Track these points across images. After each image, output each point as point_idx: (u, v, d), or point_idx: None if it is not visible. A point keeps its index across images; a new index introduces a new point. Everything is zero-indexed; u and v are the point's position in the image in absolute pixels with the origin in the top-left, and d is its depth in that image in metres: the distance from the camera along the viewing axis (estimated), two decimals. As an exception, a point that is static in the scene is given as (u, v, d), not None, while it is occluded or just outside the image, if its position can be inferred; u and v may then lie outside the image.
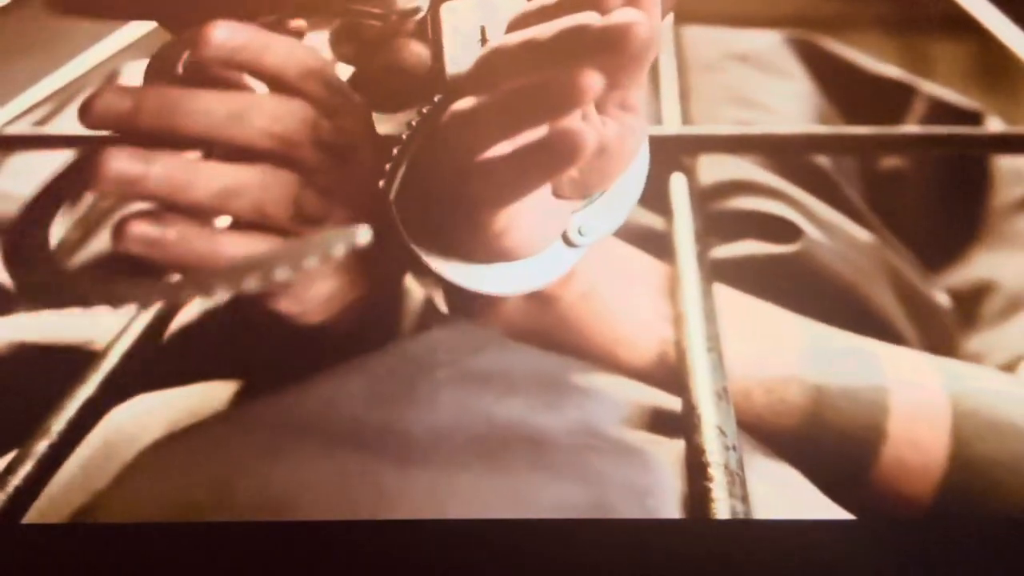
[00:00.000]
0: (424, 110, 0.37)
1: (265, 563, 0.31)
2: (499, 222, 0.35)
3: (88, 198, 0.68)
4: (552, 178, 0.34)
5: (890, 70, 0.68)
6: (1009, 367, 0.53)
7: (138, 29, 0.74)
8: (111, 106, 0.33)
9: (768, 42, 0.68)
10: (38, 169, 0.69)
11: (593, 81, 0.30)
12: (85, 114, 0.33)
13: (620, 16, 0.30)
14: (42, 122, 0.71)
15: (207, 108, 0.34)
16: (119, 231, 0.33)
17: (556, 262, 0.39)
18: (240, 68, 0.36)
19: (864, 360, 0.43)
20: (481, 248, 0.36)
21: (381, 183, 0.37)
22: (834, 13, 1.36)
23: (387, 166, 0.37)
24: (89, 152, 0.33)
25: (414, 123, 0.37)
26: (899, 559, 0.30)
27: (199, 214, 0.36)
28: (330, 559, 0.31)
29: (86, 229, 0.62)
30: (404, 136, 0.37)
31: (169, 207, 0.34)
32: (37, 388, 0.40)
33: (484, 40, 0.37)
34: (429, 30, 0.38)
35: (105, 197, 0.35)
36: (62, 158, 0.71)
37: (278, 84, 0.36)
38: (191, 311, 0.45)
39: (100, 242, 0.60)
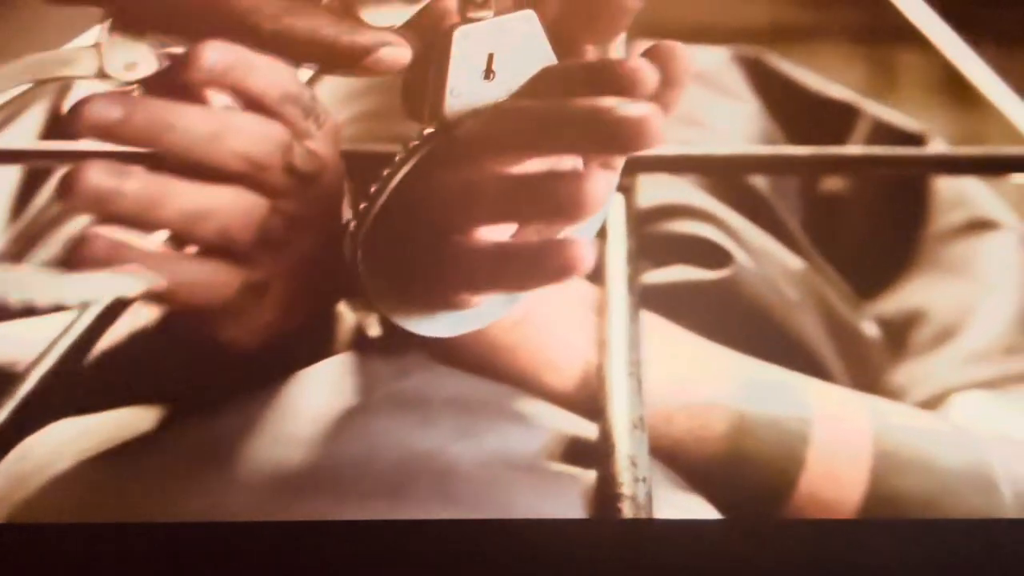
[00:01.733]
0: (412, 144, 0.36)
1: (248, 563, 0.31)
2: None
3: (31, 211, 0.67)
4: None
5: (836, 90, 0.68)
6: (936, 400, 0.53)
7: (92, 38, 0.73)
8: (102, 113, 0.32)
9: (718, 59, 0.68)
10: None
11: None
12: (75, 119, 0.32)
13: (637, 110, 0.30)
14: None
15: (189, 126, 0.34)
16: (76, 251, 0.33)
17: (510, 301, 0.38)
18: (225, 89, 0.36)
19: (790, 392, 0.42)
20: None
21: (350, 220, 0.36)
22: (804, 23, 1.36)
23: (362, 205, 0.36)
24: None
25: (398, 159, 0.36)
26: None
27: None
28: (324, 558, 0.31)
29: (24, 244, 0.62)
30: (385, 173, 0.36)
31: (137, 227, 0.34)
32: None
33: (490, 70, 0.36)
34: (436, 53, 0.36)
35: (74, 211, 0.35)
36: (5, 172, 0.71)
37: (259, 106, 0.36)
38: (115, 334, 0.44)
39: (38, 258, 0.59)
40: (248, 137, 0.35)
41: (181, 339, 0.40)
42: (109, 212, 0.33)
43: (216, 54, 0.34)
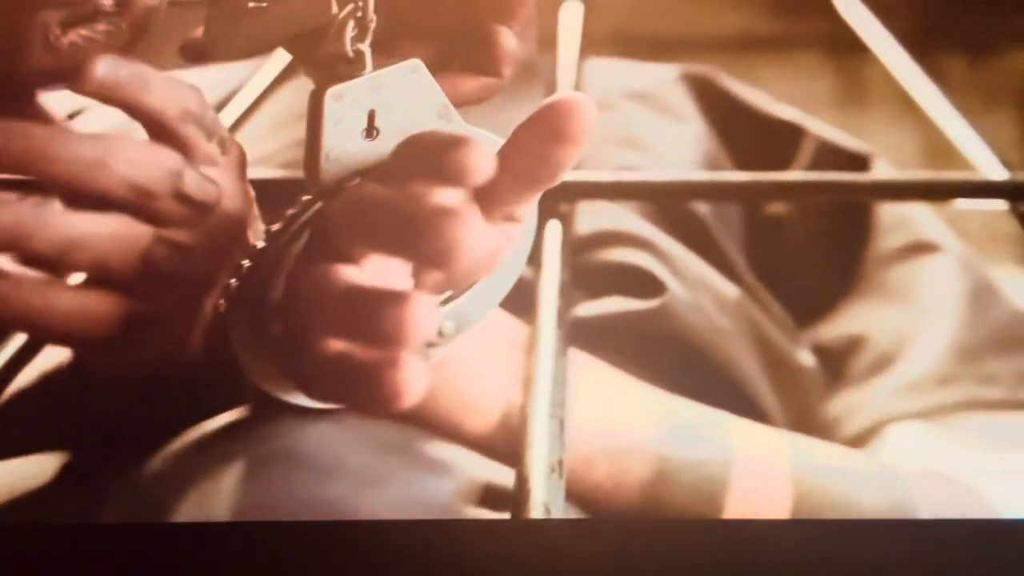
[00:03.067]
0: (289, 213, 0.35)
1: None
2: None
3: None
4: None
5: (782, 110, 0.67)
6: (870, 432, 0.53)
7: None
8: None
9: (665, 78, 0.67)
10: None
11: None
12: None
13: (451, 235, 0.28)
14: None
15: (71, 155, 0.33)
16: None
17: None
18: (118, 106, 0.35)
19: (712, 433, 0.41)
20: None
21: (228, 286, 0.36)
22: (774, 33, 1.36)
23: (232, 280, 0.35)
24: None
25: (272, 230, 0.35)
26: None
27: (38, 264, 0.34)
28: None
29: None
30: (262, 244, 0.35)
31: (6, 255, 0.34)
32: None
33: (372, 127, 0.35)
34: (308, 116, 0.35)
35: None
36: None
37: (155, 125, 0.35)
38: (18, 381, 0.43)
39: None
40: (135, 163, 0.34)
41: (87, 383, 0.39)
42: None
43: (107, 67, 0.33)
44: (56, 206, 0.34)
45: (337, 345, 0.30)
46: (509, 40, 0.35)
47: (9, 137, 0.32)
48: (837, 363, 0.57)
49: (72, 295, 0.34)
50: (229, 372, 0.39)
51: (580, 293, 0.50)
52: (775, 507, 0.40)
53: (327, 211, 0.34)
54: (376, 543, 0.31)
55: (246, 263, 0.35)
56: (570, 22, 0.63)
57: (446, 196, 0.32)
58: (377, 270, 0.33)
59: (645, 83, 0.66)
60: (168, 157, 0.35)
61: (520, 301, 0.43)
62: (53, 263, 0.34)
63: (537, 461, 0.37)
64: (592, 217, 0.54)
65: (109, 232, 0.34)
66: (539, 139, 0.33)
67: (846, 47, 1.24)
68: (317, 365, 0.31)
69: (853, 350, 0.57)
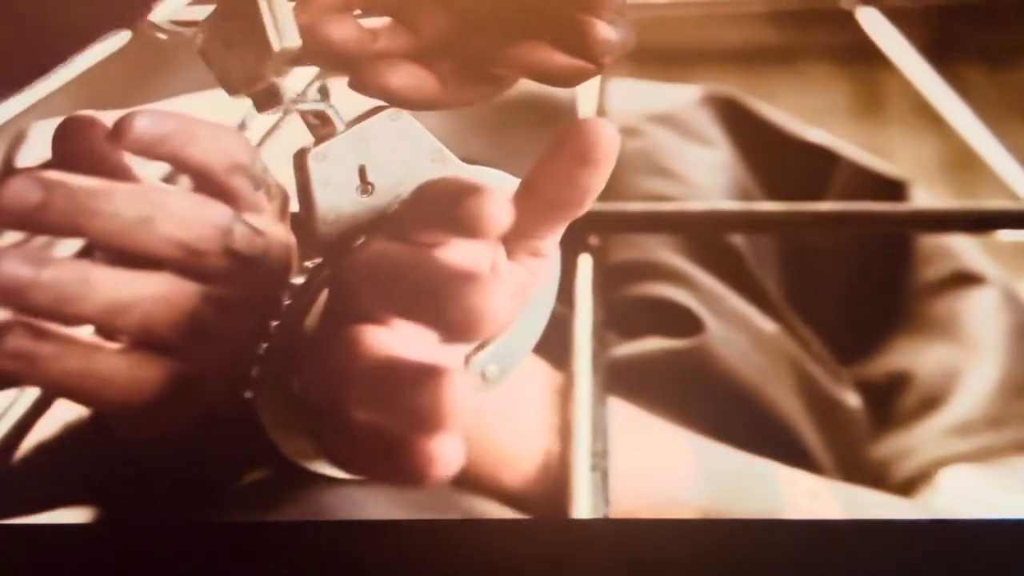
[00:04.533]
0: (299, 283, 0.34)
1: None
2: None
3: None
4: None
5: (813, 134, 0.65)
6: (922, 476, 0.51)
7: (44, 88, 0.71)
8: (18, 198, 0.30)
9: (688, 100, 0.66)
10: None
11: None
12: None
13: (473, 299, 0.27)
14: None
15: (116, 210, 0.31)
16: None
17: None
18: (161, 160, 0.33)
19: (759, 484, 0.40)
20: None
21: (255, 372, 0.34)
22: (782, 44, 1.34)
23: (258, 369, 0.34)
24: None
25: (288, 304, 0.34)
26: None
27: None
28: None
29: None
30: (276, 325, 0.34)
31: (52, 320, 0.32)
32: None
33: (366, 183, 0.34)
34: (296, 181, 0.34)
35: None
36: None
37: (202, 178, 0.34)
38: (40, 433, 0.42)
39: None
40: (183, 220, 0.32)
41: (109, 439, 0.38)
42: (22, 304, 0.30)
43: (147, 122, 0.31)
44: (99, 267, 0.32)
45: (368, 416, 0.29)
46: (603, 29, 0.33)
47: (51, 190, 0.30)
48: (882, 402, 0.56)
49: (114, 359, 0.33)
50: (254, 434, 0.38)
51: (614, 330, 0.49)
52: None
53: (342, 272, 0.33)
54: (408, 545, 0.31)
55: (264, 347, 0.34)
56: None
57: (465, 254, 0.31)
58: (405, 331, 0.32)
59: (667, 105, 0.65)
60: (216, 212, 0.33)
61: (548, 342, 0.42)
62: (98, 327, 0.33)
63: (581, 516, 0.36)
64: (622, 248, 0.52)
65: (155, 293, 0.32)
66: (565, 163, 0.32)
67: (858, 58, 1.23)
68: (348, 437, 0.30)
69: (899, 388, 0.56)
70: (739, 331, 0.50)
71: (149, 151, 0.32)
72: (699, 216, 0.52)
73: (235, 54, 0.33)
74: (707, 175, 0.59)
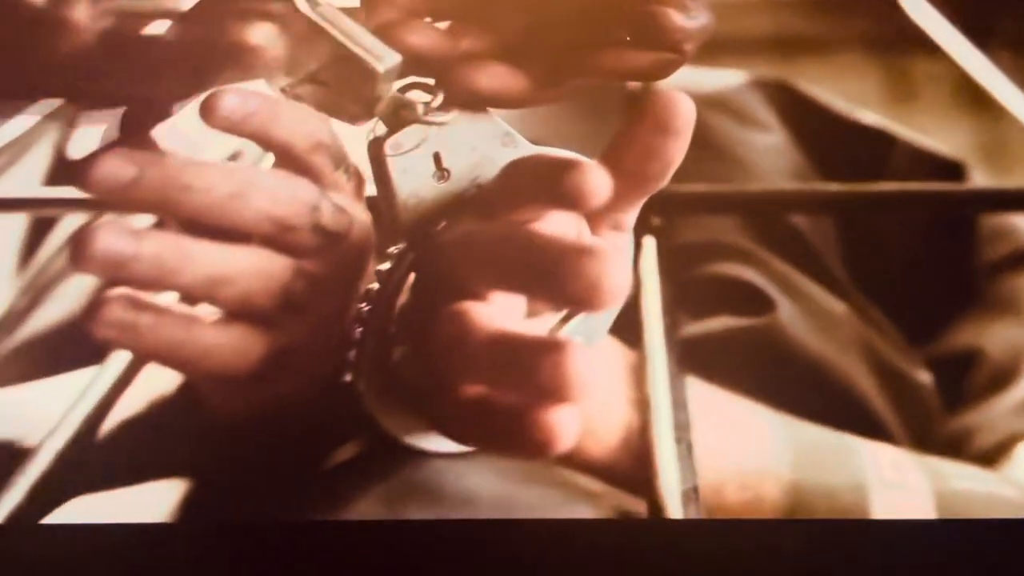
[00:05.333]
0: (385, 268, 0.34)
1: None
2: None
3: (39, 260, 0.65)
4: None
5: (866, 116, 0.66)
6: (1000, 449, 0.51)
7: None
8: (112, 173, 0.30)
9: (737, 84, 0.66)
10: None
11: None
12: (83, 176, 0.30)
13: (590, 268, 0.27)
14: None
15: (208, 185, 0.32)
16: (91, 314, 0.31)
17: None
18: (247, 137, 0.34)
19: (843, 456, 0.41)
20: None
21: (351, 355, 0.35)
22: (814, 33, 1.35)
23: (356, 343, 0.35)
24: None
25: (378, 288, 0.34)
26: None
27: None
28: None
29: (33, 297, 0.60)
30: (365, 308, 0.34)
31: (152, 291, 0.33)
32: None
33: (441, 168, 0.34)
34: (373, 171, 0.35)
35: (86, 275, 0.32)
36: (10, 219, 0.69)
37: (286, 156, 0.34)
38: (126, 408, 0.42)
39: (45, 314, 0.57)
40: (273, 196, 0.33)
41: (199, 411, 0.39)
42: (123, 277, 0.31)
43: (235, 100, 0.32)
44: (197, 241, 0.32)
45: (484, 390, 0.30)
46: (677, 17, 0.33)
47: (145, 166, 0.31)
48: (953, 379, 0.56)
49: (213, 330, 0.33)
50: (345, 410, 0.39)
51: (683, 310, 0.49)
52: None
53: (431, 254, 0.34)
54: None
55: (365, 307, 0.35)
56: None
57: (560, 229, 0.32)
58: (503, 305, 0.33)
59: (718, 89, 0.65)
60: (305, 188, 0.34)
61: (617, 323, 0.43)
62: (197, 299, 0.33)
63: (670, 488, 0.37)
64: (687, 229, 0.53)
65: (252, 267, 0.33)
66: (646, 135, 0.32)
67: (891, 46, 1.23)
68: (463, 411, 0.30)
69: (969, 366, 0.56)
70: (808, 310, 0.51)
71: (236, 128, 0.33)
72: (762, 196, 0.52)
73: (344, 92, 0.34)
74: (764, 158, 0.59)
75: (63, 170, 0.70)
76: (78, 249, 0.30)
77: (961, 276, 0.60)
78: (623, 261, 0.28)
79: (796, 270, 0.53)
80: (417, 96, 0.34)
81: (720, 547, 0.32)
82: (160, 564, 0.31)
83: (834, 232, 0.59)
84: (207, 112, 0.32)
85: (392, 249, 0.35)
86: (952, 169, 0.62)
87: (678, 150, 0.32)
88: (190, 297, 0.33)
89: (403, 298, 0.35)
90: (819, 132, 0.64)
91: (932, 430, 0.54)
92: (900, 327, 0.57)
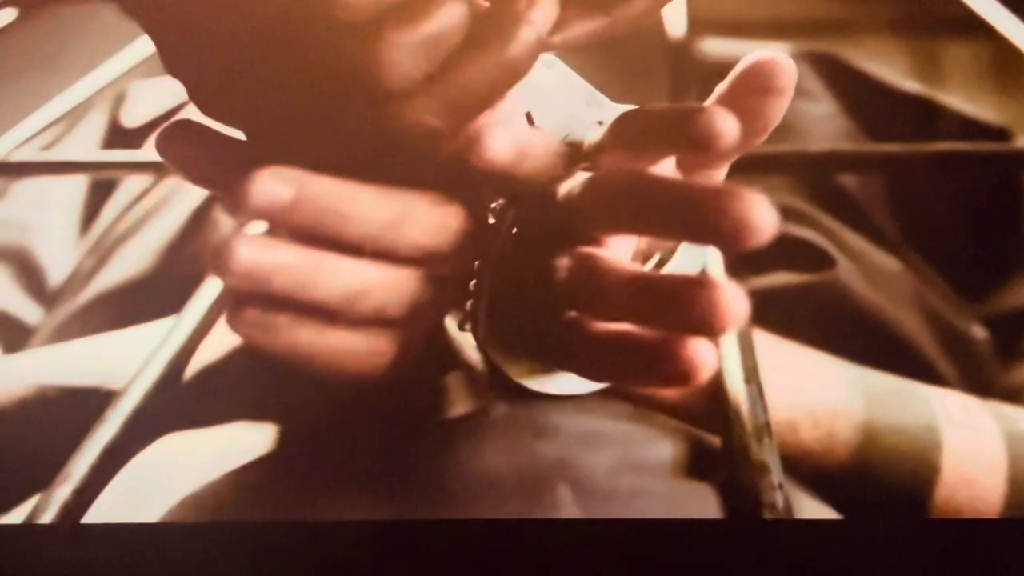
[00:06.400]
0: (490, 223, 0.35)
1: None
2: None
3: (101, 223, 0.67)
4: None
5: (911, 85, 0.67)
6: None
7: (145, 47, 0.73)
8: (270, 194, 0.30)
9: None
10: (43, 196, 0.68)
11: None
12: (243, 199, 0.30)
13: (749, 209, 0.27)
14: (48, 146, 0.70)
15: (365, 215, 0.32)
16: (232, 312, 0.32)
17: None
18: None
19: (913, 398, 0.42)
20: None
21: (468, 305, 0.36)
22: (841, 16, 1.35)
23: (469, 302, 0.35)
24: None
25: (479, 264, 0.35)
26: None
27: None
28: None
29: (100, 257, 0.61)
30: (476, 264, 0.35)
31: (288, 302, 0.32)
32: (55, 429, 0.39)
33: (534, 126, 0.35)
34: None
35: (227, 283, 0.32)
36: (73, 180, 0.70)
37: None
38: (211, 349, 0.43)
39: (113, 272, 0.59)
40: (424, 225, 0.33)
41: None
42: (263, 289, 0.31)
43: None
44: (332, 256, 0.32)
45: (619, 326, 0.30)
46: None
47: (302, 189, 0.31)
48: (1009, 336, 0.57)
49: (344, 335, 0.33)
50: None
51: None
52: (991, 470, 0.40)
53: (542, 205, 0.34)
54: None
55: (473, 283, 0.35)
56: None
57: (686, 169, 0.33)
58: (619, 249, 0.33)
59: None
60: (458, 217, 0.34)
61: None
62: (335, 311, 0.33)
63: (745, 424, 0.38)
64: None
65: (387, 280, 0.33)
66: (748, 95, 0.33)
67: (917, 30, 1.24)
68: (595, 346, 0.31)
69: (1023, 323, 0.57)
70: (865, 267, 0.52)
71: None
72: (816, 157, 0.53)
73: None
74: (814, 126, 0.60)
75: (117, 139, 0.71)
76: (221, 260, 0.30)
77: (1011, 235, 0.61)
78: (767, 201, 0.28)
79: (849, 229, 0.54)
80: None
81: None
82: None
83: (885, 193, 0.60)
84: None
85: (493, 205, 0.36)
86: (998, 134, 0.63)
87: (780, 110, 0.33)
88: (325, 308, 0.33)
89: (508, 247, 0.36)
90: (867, 101, 0.65)
91: (989, 385, 0.55)
92: (953, 285, 0.58)
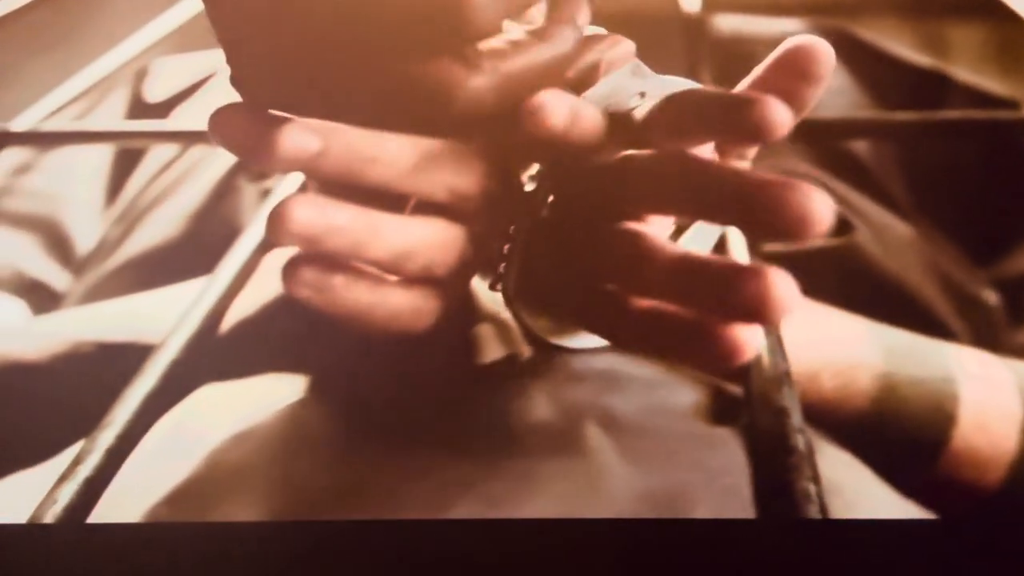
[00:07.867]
0: (529, 188, 0.35)
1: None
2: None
3: (127, 193, 0.68)
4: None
5: (922, 59, 0.68)
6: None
7: (166, 24, 0.74)
8: (299, 145, 0.31)
9: (796, 31, 0.68)
10: (70, 168, 0.70)
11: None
12: (269, 151, 0.30)
13: (804, 201, 0.26)
14: (76, 119, 0.71)
15: (393, 158, 0.32)
16: (289, 274, 0.32)
17: None
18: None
19: (931, 352, 0.43)
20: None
21: (501, 268, 0.36)
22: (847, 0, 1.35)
23: (501, 265, 0.36)
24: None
25: (514, 228, 0.35)
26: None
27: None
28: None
29: (127, 226, 0.63)
30: (512, 229, 0.36)
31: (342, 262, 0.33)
32: (95, 383, 0.40)
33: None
34: None
35: (283, 246, 0.33)
36: (98, 153, 0.72)
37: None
38: (247, 303, 0.44)
39: (141, 238, 0.60)
40: (453, 167, 0.34)
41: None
42: (319, 249, 0.32)
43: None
44: (384, 215, 0.33)
45: (661, 304, 0.30)
46: None
47: (330, 136, 0.31)
48: (1019, 298, 0.58)
49: (397, 293, 0.34)
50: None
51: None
52: (1007, 419, 0.41)
53: (578, 176, 0.34)
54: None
55: (506, 248, 0.36)
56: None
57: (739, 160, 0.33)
58: (658, 227, 0.34)
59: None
60: (479, 159, 0.34)
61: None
62: (385, 270, 0.34)
63: (765, 372, 0.39)
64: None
65: (435, 239, 0.34)
66: (785, 80, 0.33)
67: (925, 10, 1.24)
68: (634, 321, 0.31)
69: None
70: (879, 232, 0.53)
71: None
72: (832, 125, 0.54)
73: None
74: (827, 99, 0.61)
75: (140, 113, 0.73)
76: (277, 222, 0.30)
77: (1022, 202, 0.62)
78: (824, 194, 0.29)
79: (862, 195, 0.55)
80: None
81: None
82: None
83: (896, 161, 0.61)
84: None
85: (531, 171, 0.36)
86: (1008, 106, 0.64)
87: (815, 95, 0.33)
88: (378, 268, 0.34)
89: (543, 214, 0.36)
90: (878, 74, 0.65)
91: (1001, 346, 0.56)
92: (964, 250, 0.59)
